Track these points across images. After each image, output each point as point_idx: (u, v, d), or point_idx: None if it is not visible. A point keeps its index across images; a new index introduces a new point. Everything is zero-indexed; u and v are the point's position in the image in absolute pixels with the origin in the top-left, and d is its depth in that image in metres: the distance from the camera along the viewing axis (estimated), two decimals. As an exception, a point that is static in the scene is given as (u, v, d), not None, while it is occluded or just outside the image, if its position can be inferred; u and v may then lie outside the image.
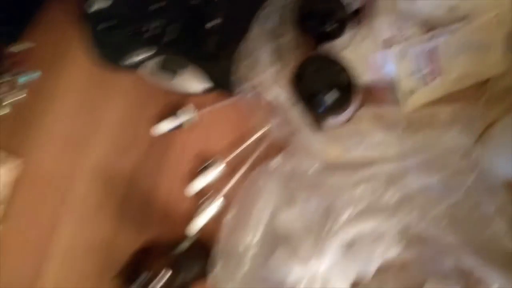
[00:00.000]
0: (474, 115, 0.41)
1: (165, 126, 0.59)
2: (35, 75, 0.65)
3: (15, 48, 0.67)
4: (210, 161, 0.56)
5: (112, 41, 0.59)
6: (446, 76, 0.50)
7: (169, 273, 0.44)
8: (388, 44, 0.52)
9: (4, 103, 0.65)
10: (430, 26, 0.51)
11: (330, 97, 0.46)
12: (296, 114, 0.48)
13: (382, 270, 0.49)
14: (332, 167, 0.47)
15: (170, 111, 0.60)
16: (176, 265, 0.48)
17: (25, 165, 0.64)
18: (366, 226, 0.43)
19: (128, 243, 0.51)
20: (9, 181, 0.62)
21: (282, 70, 0.50)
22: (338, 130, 0.47)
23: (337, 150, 0.46)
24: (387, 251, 0.42)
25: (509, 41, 0.46)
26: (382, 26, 0.52)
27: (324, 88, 0.46)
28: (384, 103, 0.53)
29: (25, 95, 0.65)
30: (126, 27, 0.57)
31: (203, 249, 0.54)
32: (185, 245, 0.53)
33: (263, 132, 0.56)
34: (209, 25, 0.57)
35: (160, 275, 0.43)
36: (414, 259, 0.45)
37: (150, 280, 0.43)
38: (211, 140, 0.59)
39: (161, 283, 0.43)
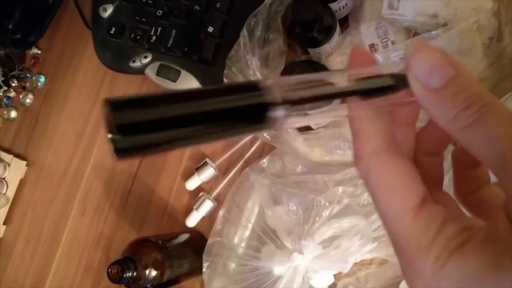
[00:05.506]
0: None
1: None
2: (42, 79, 0.69)
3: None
4: (204, 161, 0.59)
5: (115, 47, 0.62)
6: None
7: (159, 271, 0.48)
8: (373, 49, 0.54)
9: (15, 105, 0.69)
10: (413, 32, 0.53)
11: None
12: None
13: (363, 267, 0.52)
14: (315, 168, 0.50)
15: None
16: (169, 259, 0.51)
17: (30, 167, 0.67)
18: (345, 224, 0.45)
19: (129, 238, 0.54)
20: (14, 182, 0.66)
21: (270, 75, 0.53)
22: (321, 133, 0.49)
23: (319, 152, 0.48)
24: (363, 247, 0.45)
25: (486, 47, 0.47)
26: (368, 31, 0.54)
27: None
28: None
29: (32, 97, 0.69)
30: (126, 33, 0.61)
31: (196, 245, 0.57)
32: (179, 239, 0.57)
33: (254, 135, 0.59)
34: (208, 30, 0.60)
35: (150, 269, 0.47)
36: (391, 256, 0.48)
37: (141, 273, 0.46)
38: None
39: (151, 276, 0.47)
